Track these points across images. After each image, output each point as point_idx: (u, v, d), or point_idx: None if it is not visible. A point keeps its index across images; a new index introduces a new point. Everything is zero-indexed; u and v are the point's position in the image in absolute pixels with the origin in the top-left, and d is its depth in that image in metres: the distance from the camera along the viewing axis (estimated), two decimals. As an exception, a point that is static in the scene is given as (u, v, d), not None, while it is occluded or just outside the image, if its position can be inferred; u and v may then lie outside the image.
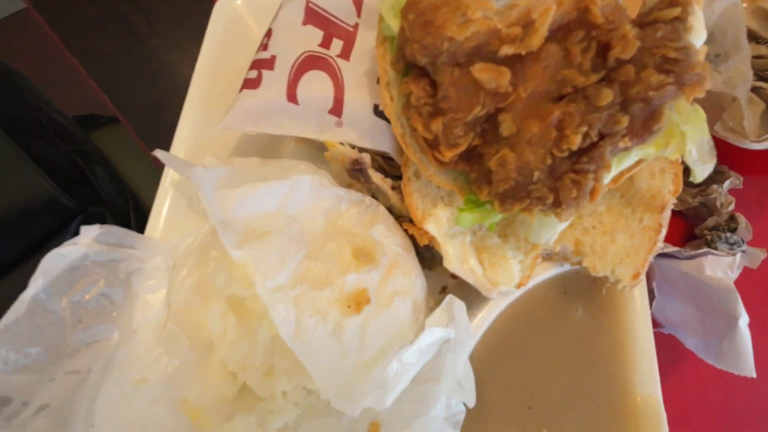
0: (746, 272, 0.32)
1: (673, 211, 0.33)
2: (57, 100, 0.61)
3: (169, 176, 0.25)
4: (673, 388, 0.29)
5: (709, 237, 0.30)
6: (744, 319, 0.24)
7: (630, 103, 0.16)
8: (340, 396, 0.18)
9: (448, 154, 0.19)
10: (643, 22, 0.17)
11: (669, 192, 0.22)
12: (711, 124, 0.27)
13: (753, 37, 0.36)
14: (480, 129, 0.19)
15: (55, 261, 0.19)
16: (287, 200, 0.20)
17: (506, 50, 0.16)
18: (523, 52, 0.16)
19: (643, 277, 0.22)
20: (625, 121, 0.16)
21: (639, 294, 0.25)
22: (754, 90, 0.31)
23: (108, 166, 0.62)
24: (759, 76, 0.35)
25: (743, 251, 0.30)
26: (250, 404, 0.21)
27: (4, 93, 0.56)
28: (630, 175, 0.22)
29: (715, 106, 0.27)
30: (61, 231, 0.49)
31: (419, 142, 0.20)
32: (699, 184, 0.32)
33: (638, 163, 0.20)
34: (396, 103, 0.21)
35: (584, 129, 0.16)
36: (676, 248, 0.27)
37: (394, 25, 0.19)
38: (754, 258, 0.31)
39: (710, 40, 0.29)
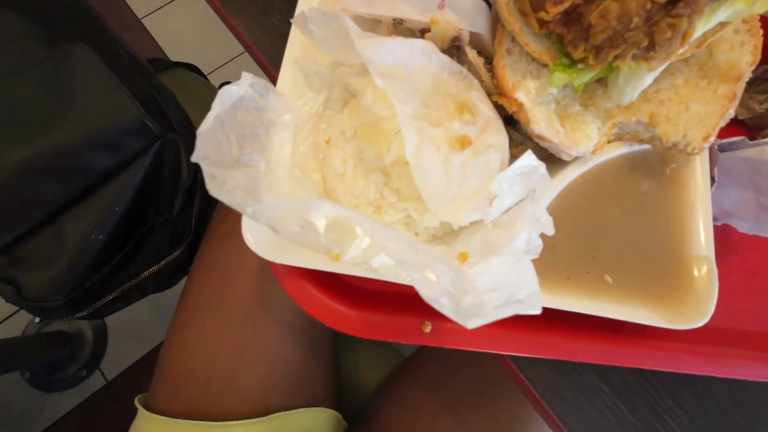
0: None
1: (736, 119, 0.35)
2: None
3: (291, 51, 0.30)
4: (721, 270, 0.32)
5: (771, 139, 0.32)
6: (801, 189, 0.26)
7: (728, -48, 0.19)
8: (446, 211, 0.23)
9: (554, 11, 0.22)
10: None
11: (747, 63, 0.24)
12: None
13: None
14: (583, -12, 0.22)
15: (227, 95, 0.24)
16: (405, 59, 0.24)
17: None
18: None
19: (713, 140, 0.25)
20: (722, -32, 0.19)
21: (698, 172, 0.28)
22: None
23: (177, 104, 0.68)
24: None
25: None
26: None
27: (89, 26, 0.62)
28: (709, 46, 0.25)
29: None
30: (145, 152, 0.55)
31: (523, 8, 0.24)
32: (766, 90, 0.33)
33: (722, 26, 0.22)
34: (503, -26, 0.24)
35: (684, -25, 0.19)
36: (740, 138, 0.30)
37: None
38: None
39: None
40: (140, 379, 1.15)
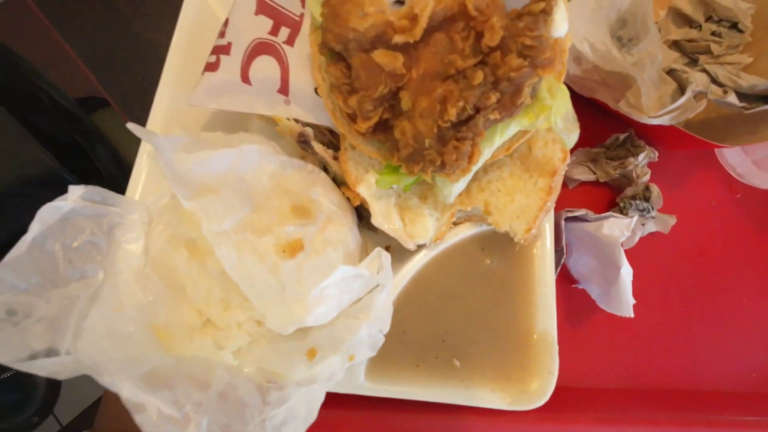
0: (662, 237, 0.36)
1: (600, 182, 0.37)
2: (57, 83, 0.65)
3: (146, 147, 0.30)
4: (577, 333, 0.33)
5: (622, 204, 0.35)
6: (625, 269, 0.28)
7: (498, 82, 0.20)
8: (275, 320, 0.23)
9: (363, 126, 0.23)
10: (518, 14, 0.21)
11: (558, 159, 0.26)
12: (617, 101, 0.31)
13: (687, 21, 0.39)
14: (388, 104, 0.23)
15: (48, 212, 0.23)
16: (237, 164, 0.25)
17: (398, 39, 0.20)
18: (412, 40, 0.20)
19: (534, 232, 0.26)
20: (494, 97, 0.20)
21: (543, 251, 0.30)
22: (670, 72, 0.35)
23: (108, 145, 0.67)
24: (690, 58, 0.38)
25: (653, 217, 0.34)
26: (212, 333, 0.26)
27: (5, 73, 0.60)
28: (527, 143, 0.26)
29: (622, 86, 0.31)
30: None
31: (344, 116, 0.24)
32: (619, 156, 0.36)
33: (523, 133, 0.24)
34: (325, 84, 0.25)
35: (461, 104, 0.20)
36: (584, 211, 0.31)
37: (318, 16, 0.23)
38: (665, 224, 0.35)
39: (622, 26, 0.32)
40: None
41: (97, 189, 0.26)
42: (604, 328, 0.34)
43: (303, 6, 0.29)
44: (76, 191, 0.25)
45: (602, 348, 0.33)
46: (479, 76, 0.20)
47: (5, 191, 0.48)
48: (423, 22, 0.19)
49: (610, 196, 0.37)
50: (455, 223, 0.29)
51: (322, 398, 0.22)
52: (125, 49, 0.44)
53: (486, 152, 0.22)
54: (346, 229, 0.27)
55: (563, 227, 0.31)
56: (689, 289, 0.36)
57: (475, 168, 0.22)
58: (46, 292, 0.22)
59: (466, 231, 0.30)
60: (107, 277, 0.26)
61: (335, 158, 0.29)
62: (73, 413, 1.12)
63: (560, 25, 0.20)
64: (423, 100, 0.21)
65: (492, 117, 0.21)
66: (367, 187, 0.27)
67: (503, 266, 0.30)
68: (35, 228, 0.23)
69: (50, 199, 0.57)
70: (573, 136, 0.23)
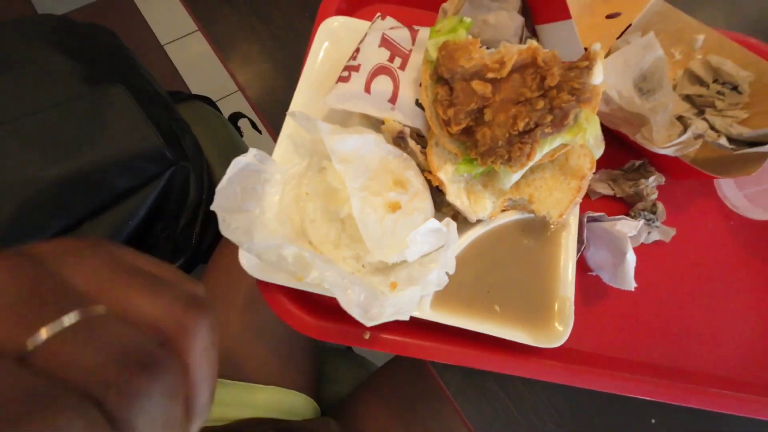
0: (663, 245, 0.45)
1: (616, 197, 0.47)
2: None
3: (286, 130, 0.42)
4: (588, 310, 0.43)
5: (633, 214, 0.44)
6: (630, 255, 0.38)
7: (553, 109, 0.31)
8: (380, 252, 0.34)
9: (455, 129, 0.34)
10: (570, 66, 0.32)
11: (587, 168, 0.36)
12: (634, 134, 0.41)
13: (698, 81, 0.49)
14: (474, 116, 0.34)
15: (237, 162, 0.35)
16: (360, 147, 0.36)
17: (490, 75, 0.31)
18: (498, 77, 0.31)
19: (566, 218, 0.36)
20: (549, 118, 0.31)
21: (570, 237, 0.40)
22: (680, 118, 0.45)
23: (190, 134, 0.80)
24: (699, 109, 0.48)
25: (657, 226, 0.44)
26: (324, 263, 0.37)
27: (124, 67, 0.74)
28: (565, 154, 0.37)
29: (639, 123, 0.41)
30: (160, 176, 0.65)
31: (440, 122, 0.36)
32: (633, 178, 0.46)
33: (563, 146, 0.34)
34: (429, 98, 0.36)
35: (526, 120, 0.31)
36: (601, 213, 0.41)
37: (434, 54, 0.34)
38: (666, 234, 0.45)
39: (643, 80, 0.43)
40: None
41: (262, 153, 0.37)
42: (610, 308, 0.43)
43: (413, 44, 0.41)
44: (252, 151, 0.36)
45: (606, 323, 0.42)
46: (541, 104, 0.31)
47: (118, 160, 0.59)
48: (509, 66, 0.31)
49: (624, 209, 0.47)
50: (503, 210, 0.39)
51: (409, 312, 0.32)
52: (263, 63, 0.57)
53: (539, 154, 0.32)
54: (427, 202, 0.38)
55: (585, 224, 0.41)
56: (683, 289, 0.45)
57: (529, 164, 0.33)
58: (234, 214, 0.34)
59: (511, 216, 0.40)
60: (260, 212, 0.37)
61: (422, 152, 0.40)
62: None
63: (598, 76, 0.31)
64: (501, 116, 0.32)
65: (546, 131, 0.31)
66: (446, 173, 0.38)
67: (536, 246, 0.40)
68: (230, 171, 0.34)
69: (152, 171, 0.69)
70: (599, 152, 0.34)
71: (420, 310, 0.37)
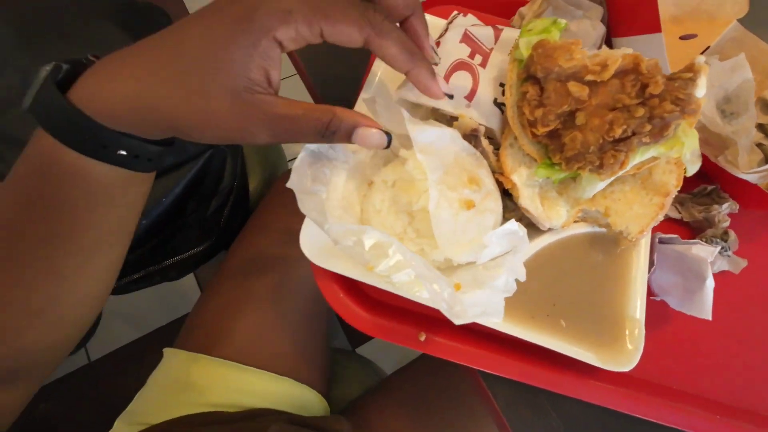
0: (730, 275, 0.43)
1: (682, 221, 0.45)
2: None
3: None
4: (653, 332, 0.40)
5: (704, 240, 0.42)
6: (710, 281, 0.36)
7: (653, 118, 0.30)
8: (449, 250, 0.32)
9: (542, 130, 0.33)
10: (671, 77, 0.30)
11: (672, 185, 0.34)
12: (716, 156, 0.40)
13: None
14: (562, 119, 0.32)
15: (308, 144, 0.34)
16: (437, 140, 0.35)
17: (589, 77, 0.30)
18: (598, 80, 0.30)
19: (645, 235, 0.35)
20: (648, 127, 0.30)
21: (641, 256, 0.38)
22: (758, 144, 0.43)
23: None
24: (771, 138, 0.47)
25: (728, 256, 0.42)
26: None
27: None
28: (649, 168, 0.35)
29: (720, 146, 0.40)
30: (198, 157, 0.65)
31: (523, 122, 0.34)
32: (704, 203, 0.44)
33: (653, 159, 0.33)
34: (513, 98, 0.35)
35: (624, 127, 0.30)
36: (675, 235, 0.39)
37: (525, 53, 0.33)
38: (736, 265, 0.43)
39: (727, 102, 0.42)
40: (124, 364, 1.17)
41: (334, 138, 0.36)
42: (671, 335, 0.41)
43: (495, 43, 0.40)
44: (325, 135, 0.36)
45: (667, 350, 0.40)
46: (641, 111, 0.30)
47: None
48: (612, 70, 0.30)
49: (689, 235, 0.45)
50: (575, 221, 0.38)
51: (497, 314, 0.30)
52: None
53: (631, 164, 0.31)
54: (499, 204, 0.36)
55: (656, 245, 0.39)
56: (751, 325, 0.42)
57: (620, 173, 0.31)
58: (305, 195, 0.33)
59: (581, 228, 0.38)
60: (326, 198, 0.36)
61: (494, 153, 0.39)
62: (103, 351, 1.21)
63: (701, 88, 0.30)
64: (595, 120, 0.31)
65: (644, 140, 0.30)
66: (519, 176, 0.36)
67: (606, 262, 0.38)
68: (303, 151, 0.34)
69: (191, 151, 0.67)
70: (694, 167, 0.32)
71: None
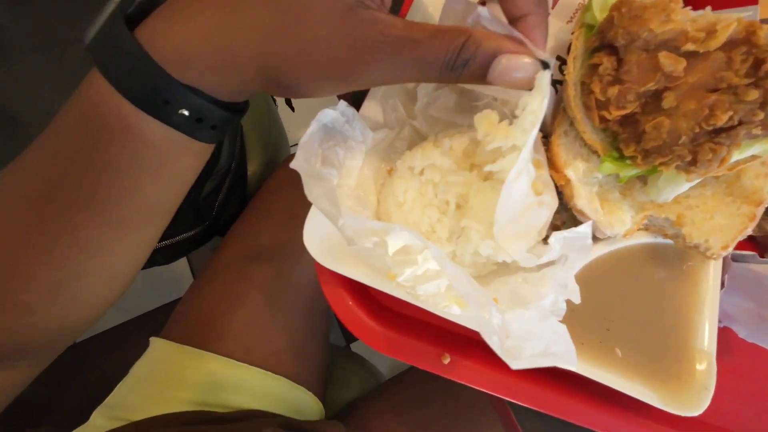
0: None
1: (749, 236, 0.39)
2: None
3: (377, 89, 0.34)
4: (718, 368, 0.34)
5: (779, 259, 0.36)
6: (798, 311, 0.29)
7: (766, 104, 0.23)
8: (501, 235, 0.25)
9: (615, 113, 0.26)
10: (790, 54, 0.24)
11: (766, 192, 0.28)
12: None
13: None
14: (643, 101, 0.26)
15: (323, 115, 0.27)
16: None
17: (689, 47, 0.23)
18: (701, 51, 0.23)
19: (730, 251, 0.28)
20: (761, 115, 0.23)
21: (712, 275, 0.31)
22: None
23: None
24: None
25: (806, 279, 0.35)
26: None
27: None
28: (737, 173, 0.29)
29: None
30: None
31: (588, 103, 0.28)
32: (780, 216, 0.37)
33: (753, 158, 0.26)
34: (577, 72, 0.28)
35: (730, 113, 0.23)
36: (752, 253, 0.33)
37: (600, 15, 0.26)
38: (814, 290, 0.36)
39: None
40: (108, 347, 1.13)
41: (351, 109, 0.30)
42: (737, 371, 0.34)
43: (552, 8, 0.33)
44: (341, 105, 0.29)
45: (731, 389, 0.34)
46: (753, 95, 0.23)
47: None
48: (723, 38, 0.23)
49: (752, 248, 0.39)
50: (638, 229, 0.31)
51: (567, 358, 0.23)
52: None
53: (732, 161, 0.24)
54: (555, 198, 0.29)
55: (729, 263, 0.33)
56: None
57: (717, 172, 0.25)
58: (312, 179, 0.26)
59: (642, 238, 0.32)
60: (338, 185, 0.29)
61: (543, 142, 0.32)
62: (88, 333, 1.16)
63: (831, 71, 0.23)
64: (691, 103, 0.24)
65: (754, 132, 0.23)
66: (575, 171, 0.30)
67: (669, 280, 0.31)
68: (313, 125, 0.27)
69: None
70: (808, 171, 0.26)
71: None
